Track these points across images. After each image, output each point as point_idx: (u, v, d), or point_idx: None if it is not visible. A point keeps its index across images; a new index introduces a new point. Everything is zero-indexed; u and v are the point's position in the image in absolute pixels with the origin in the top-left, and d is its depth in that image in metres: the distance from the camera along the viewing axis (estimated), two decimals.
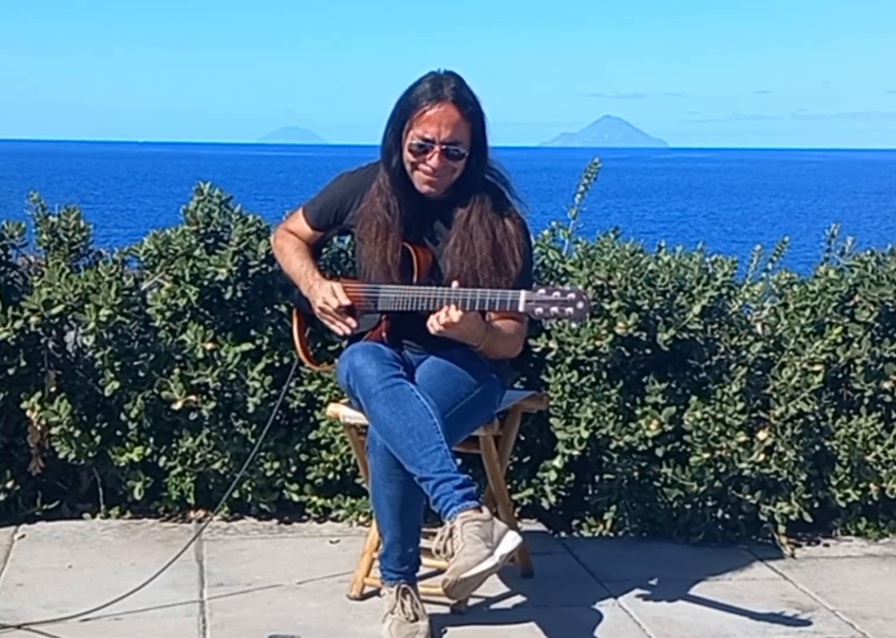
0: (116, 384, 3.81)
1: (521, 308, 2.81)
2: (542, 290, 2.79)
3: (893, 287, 4.01)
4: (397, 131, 3.06)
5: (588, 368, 3.87)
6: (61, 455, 3.85)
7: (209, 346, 3.80)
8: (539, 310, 2.78)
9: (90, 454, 3.86)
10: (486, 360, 3.12)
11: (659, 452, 3.84)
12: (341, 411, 3.27)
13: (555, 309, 2.76)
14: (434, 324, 2.91)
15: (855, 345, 3.98)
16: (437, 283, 3.01)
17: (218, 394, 3.86)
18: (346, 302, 3.12)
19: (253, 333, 3.91)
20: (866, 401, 4.02)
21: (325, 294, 3.14)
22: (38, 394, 3.82)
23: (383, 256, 3.10)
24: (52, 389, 3.86)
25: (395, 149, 3.07)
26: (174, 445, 3.91)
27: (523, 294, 2.80)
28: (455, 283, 2.93)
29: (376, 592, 3.28)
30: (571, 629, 3.18)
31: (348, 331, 3.13)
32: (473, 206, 3.07)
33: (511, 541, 2.73)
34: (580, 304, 2.75)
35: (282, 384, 3.65)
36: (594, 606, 3.33)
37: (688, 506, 3.87)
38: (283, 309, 3.87)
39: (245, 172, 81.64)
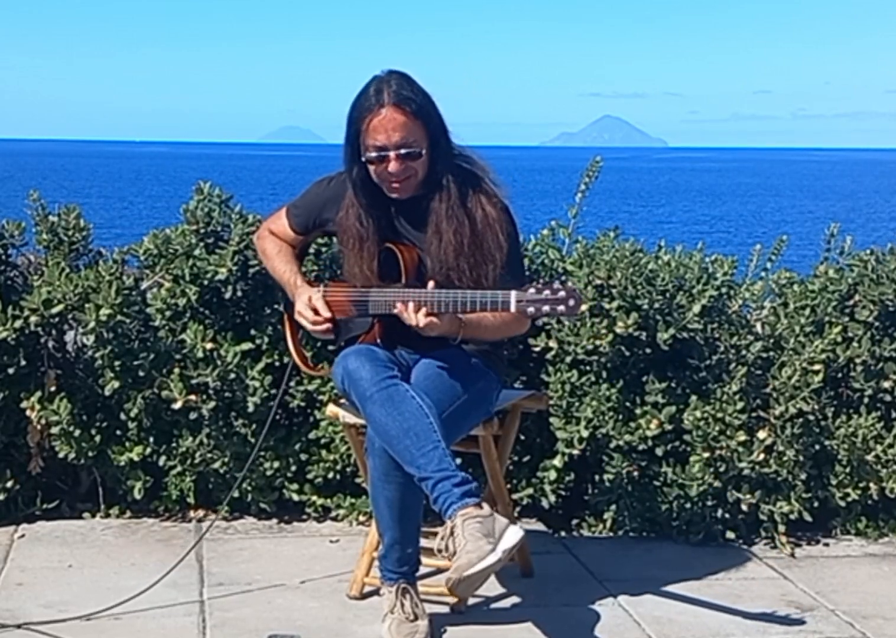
0: (116, 384, 3.81)
1: (512, 308, 2.80)
2: (532, 290, 2.78)
3: (893, 286, 4.01)
4: (352, 143, 3.06)
5: (588, 368, 3.87)
6: (61, 455, 3.85)
7: (209, 345, 3.80)
8: (531, 309, 2.78)
9: (90, 454, 3.86)
10: (483, 357, 3.13)
11: (659, 451, 3.84)
12: (341, 411, 3.27)
13: (546, 308, 2.77)
14: (416, 323, 2.90)
15: (855, 344, 3.97)
16: (425, 282, 3.00)
17: (218, 393, 3.86)
18: (324, 316, 3.13)
19: (253, 332, 3.91)
20: (866, 400, 4.02)
21: (301, 307, 3.16)
22: (38, 393, 3.83)
23: (361, 266, 3.13)
24: (52, 389, 3.86)
25: (353, 161, 3.08)
26: (174, 445, 3.91)
27: (513, 294, 2.80)
28: (431, 284, 2.92)
29: (376, 592, 3.28)
30: (571, 629, 3.18)
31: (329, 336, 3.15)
32: (442, 200, 3.06)
33: (513, 535, 2.73)
34: (571, 302, 2.75)
35: (282, 384, 3.65)
36: (594, 606, 3.33)
37: (688, 505, 3.87)
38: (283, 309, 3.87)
39: (245, 172, 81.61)
